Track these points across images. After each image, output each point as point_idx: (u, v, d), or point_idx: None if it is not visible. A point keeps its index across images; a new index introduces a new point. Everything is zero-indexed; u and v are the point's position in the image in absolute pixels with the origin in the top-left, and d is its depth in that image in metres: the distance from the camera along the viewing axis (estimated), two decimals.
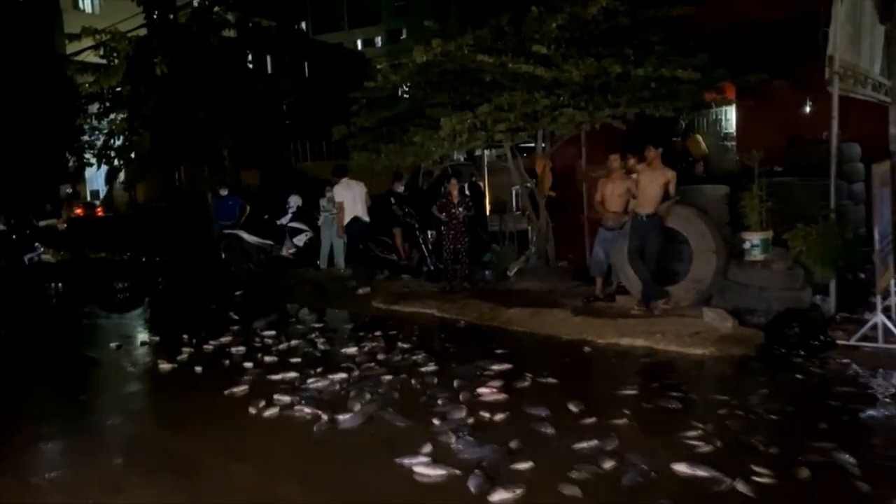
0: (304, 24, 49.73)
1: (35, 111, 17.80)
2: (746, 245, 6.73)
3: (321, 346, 6.62)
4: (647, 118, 7.77)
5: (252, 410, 4.86)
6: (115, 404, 5.49)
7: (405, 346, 6.42)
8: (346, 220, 9.35)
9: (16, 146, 17.38)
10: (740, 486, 3.43)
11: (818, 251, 6.20)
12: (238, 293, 10.00)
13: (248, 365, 6.05)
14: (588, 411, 4.51)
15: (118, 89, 17.46)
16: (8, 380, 6.32)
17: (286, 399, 5.01)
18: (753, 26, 7.92)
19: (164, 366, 6.20)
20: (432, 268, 9.62)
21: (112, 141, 18.69)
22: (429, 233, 9.70)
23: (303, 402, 4.95)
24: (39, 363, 6.82)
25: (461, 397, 4.90)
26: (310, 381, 5.44)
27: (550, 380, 5.26)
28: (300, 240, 11.17)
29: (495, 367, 5.56)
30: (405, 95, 9.48)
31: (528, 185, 9.17)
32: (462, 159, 16.63)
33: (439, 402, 4.85)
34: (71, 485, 3.96)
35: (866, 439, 4.07)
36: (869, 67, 6.84)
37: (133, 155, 19.00)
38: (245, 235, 11.27)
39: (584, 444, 3.99)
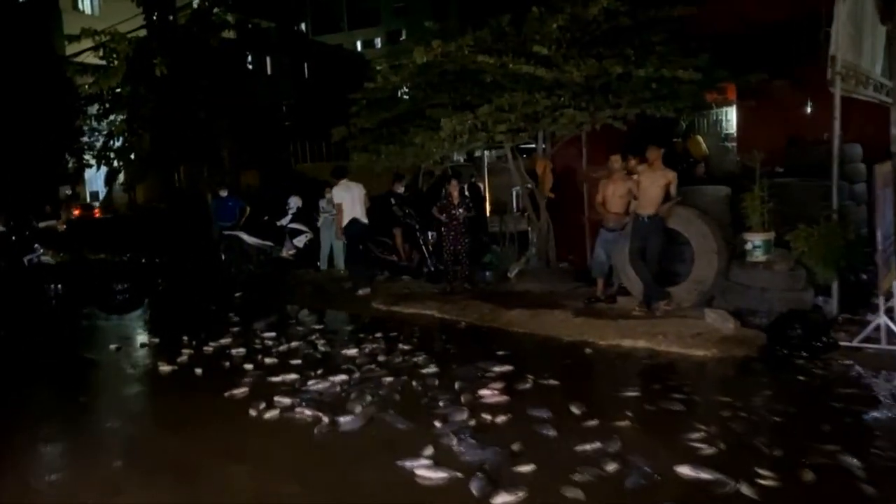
0: (303, 26, 49.81)
1: (34, 112, 17.79)
2: (748, 246, 6.73)
3: (321, 348, 6.60)
4: (648, 119, 7.77)
5: (252, 412, 4.84)
6: (114, 406, 5.47)
7: (406, 347, 6.40)
8: (345, 221, 9.32)
9: (15, 147, 17.36)
10: (744, 489, 3.41)
11: (820, 252, 6.19)
12: (238, 294, 9.98)
13: (249, 366, 6.03)
14: (590, 413, 4.49)
15: (118, 90, 17.41)
16: (8, 381, 6.30)
17: (286, 401, 4.99)
18: (754, 26, 7.90)
19: (164, 367, 6.17)
20: (433, 269, 9.60)
21: (112, 142, 18.65)
22: (429, 234, 9.68)
23: (303, 403, 4.93)
24: (39, 364, 6.79)
25: (462, 399, 4.88)
26: (310, 382, 5.42)
27: (552, 381, 5.25)
28: (300, 241, 11.15)
29: (496, 369, 5.54)
30: (405, 96, 9.46)
31: (529, 186, 9.15)
32: (462, 160, 16.63)
33: (440, 403, 4.83)
34: (71, 486, 3.94)
35: (870, 441, 4.04)
36: (870, 68, 6.84)
37: (133, 156, 18.97)
38: (245, 236, 11.25)
39: (587, 447, 3.97)
